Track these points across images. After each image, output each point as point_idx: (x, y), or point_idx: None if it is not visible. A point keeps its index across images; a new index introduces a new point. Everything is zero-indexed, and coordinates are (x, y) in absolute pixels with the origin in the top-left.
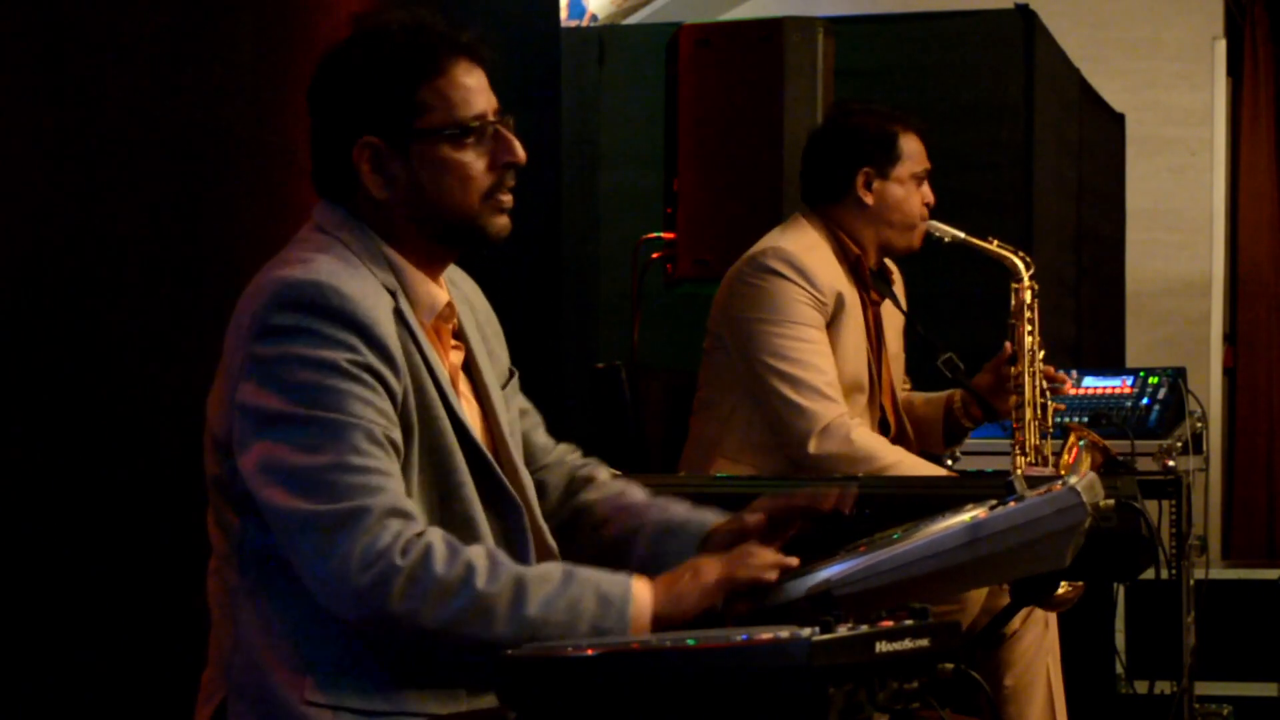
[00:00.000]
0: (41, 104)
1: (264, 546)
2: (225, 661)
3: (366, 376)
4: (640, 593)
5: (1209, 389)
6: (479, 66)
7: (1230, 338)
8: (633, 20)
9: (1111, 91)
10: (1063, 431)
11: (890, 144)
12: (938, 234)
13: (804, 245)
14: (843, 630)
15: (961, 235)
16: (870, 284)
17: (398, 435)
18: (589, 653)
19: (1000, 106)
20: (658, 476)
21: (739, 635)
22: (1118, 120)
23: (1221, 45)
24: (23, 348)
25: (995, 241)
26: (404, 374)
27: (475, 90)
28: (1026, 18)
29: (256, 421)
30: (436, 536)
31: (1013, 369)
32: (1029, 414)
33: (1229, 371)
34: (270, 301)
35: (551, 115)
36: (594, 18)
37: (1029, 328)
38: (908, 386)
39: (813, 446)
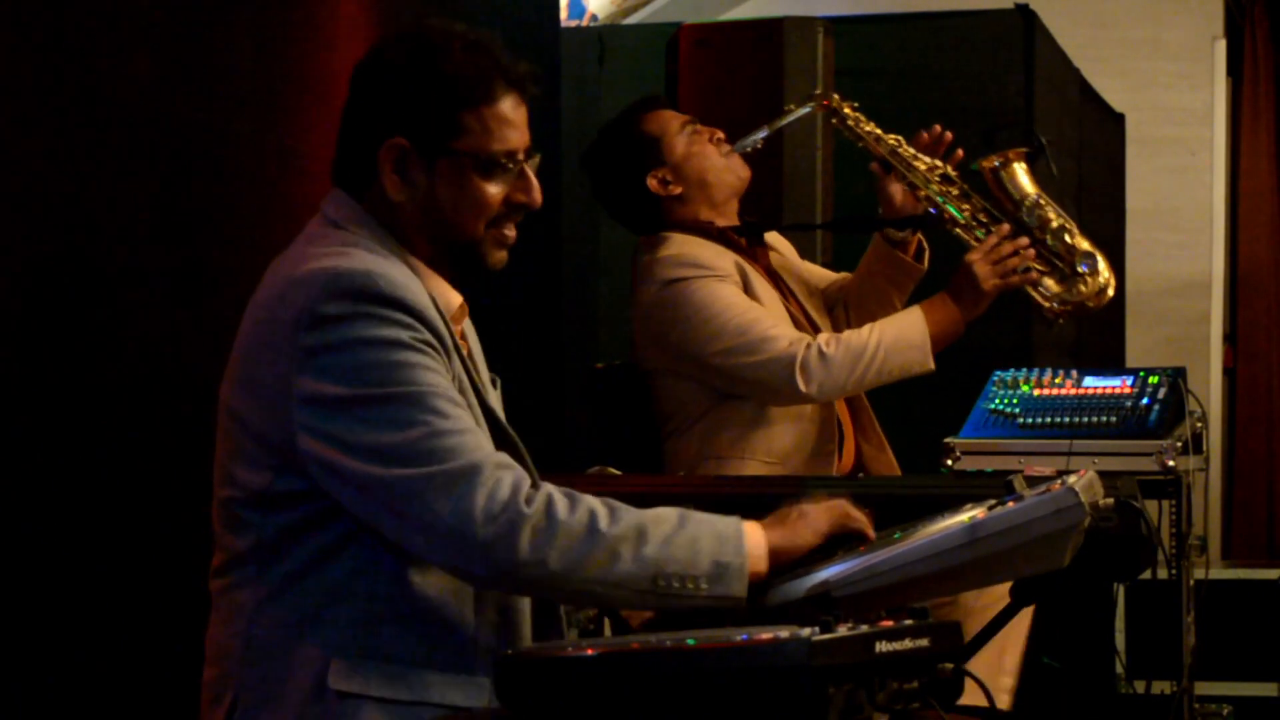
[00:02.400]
0: (41, 104)
1: (296, 542)
2: (236, 659)
3: (428, 349)
4: (752, 528)
5: (1209, 389)
6: (525, 104)
7: (1230, 338)
8: (633, 20)
9: (1111, 91)
10: (977, 176)
11: (641, 138)
12: (750, 148)
13: (678, 244)
14: (842, 630)
15: (764, 130)
16: (745, 247)
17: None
18: (589, 653)
19: (1000, 106)
20: (657, 477)
21: (739, 635)
22: (1118, 120)
23: (1221, 45)
24: (22, 348)
25: (792, 105)
26: (455, 362)
27: (516, 126)
28: (1026, 18)
29: (331, 411)
30: (552, 487)
31: (891, 177)
32: (934, 193)
33: (1229, 371)
34: (320, 293)
35: (551, 115)
36: (594, 18)
37: (874, 137)
38: (843, 277)
39: (803, 386)
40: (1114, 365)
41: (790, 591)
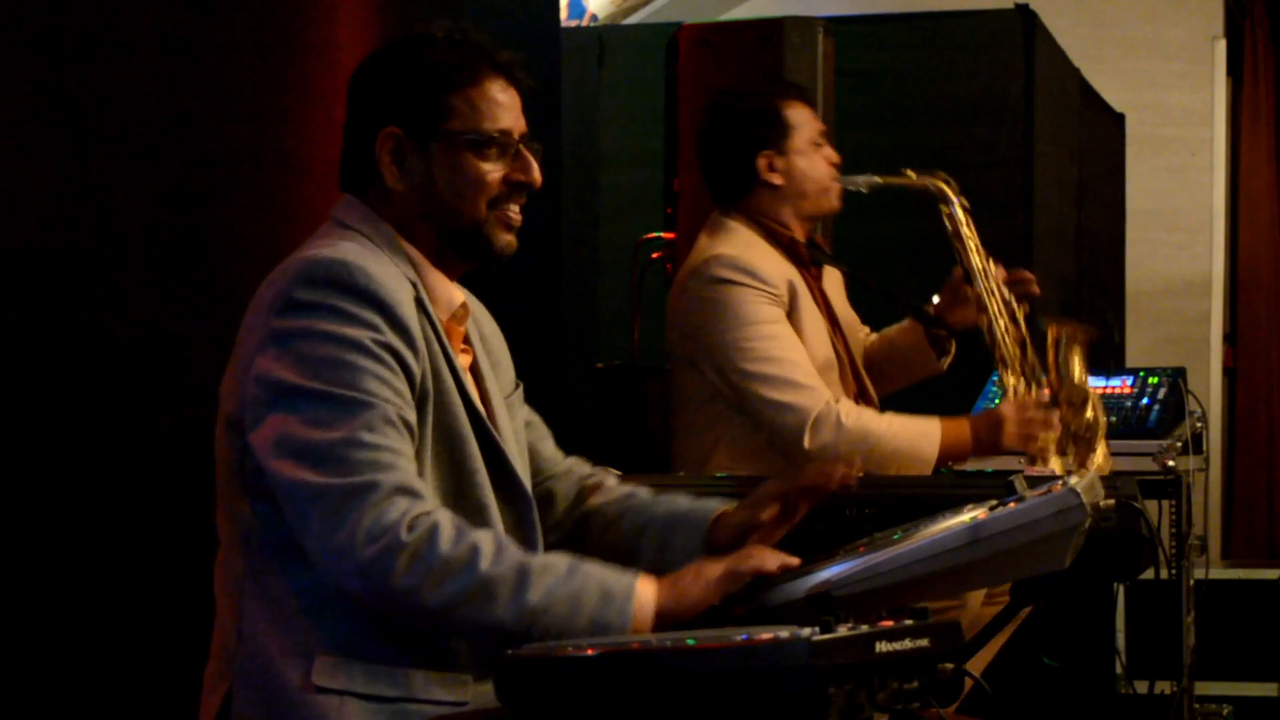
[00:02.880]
0: (41, 105)
1: (274, 532)
2: (229, 652)
3: (387, 356)
4: (644, 590)
5: (1209, 389)
6: (514, 89)
7: (1230, 338)
8: (633, 20)
9: (1111, 91)
10: (1040, 331)
11: (777, 119)
12: (853, 187)
13: (742, 244)
14: (843, 630)
15: (878, 180)
16: (808, 261)
17: (413, 417)
18: (589, 653)
19: (1000, 106)
20: (658, 476)
21: (739, 635)
22: (1118, 120)
23: (1221, 45)
24: (24, 348)
25: (910, 172)
26: (423, 357)
27: (505, 107)
28: (1026, 18)
29: (273, 394)
30: (444, 516)
31: (970, 290)
32: (999, 327)
33: (1229, 371)
34: (295, 278)
35: (551, 115)
36: (594, 18)
37: (972, 245)
38: (867, 331)
39: (807, 442)
40: (1114, 365)
41: (790, 591)
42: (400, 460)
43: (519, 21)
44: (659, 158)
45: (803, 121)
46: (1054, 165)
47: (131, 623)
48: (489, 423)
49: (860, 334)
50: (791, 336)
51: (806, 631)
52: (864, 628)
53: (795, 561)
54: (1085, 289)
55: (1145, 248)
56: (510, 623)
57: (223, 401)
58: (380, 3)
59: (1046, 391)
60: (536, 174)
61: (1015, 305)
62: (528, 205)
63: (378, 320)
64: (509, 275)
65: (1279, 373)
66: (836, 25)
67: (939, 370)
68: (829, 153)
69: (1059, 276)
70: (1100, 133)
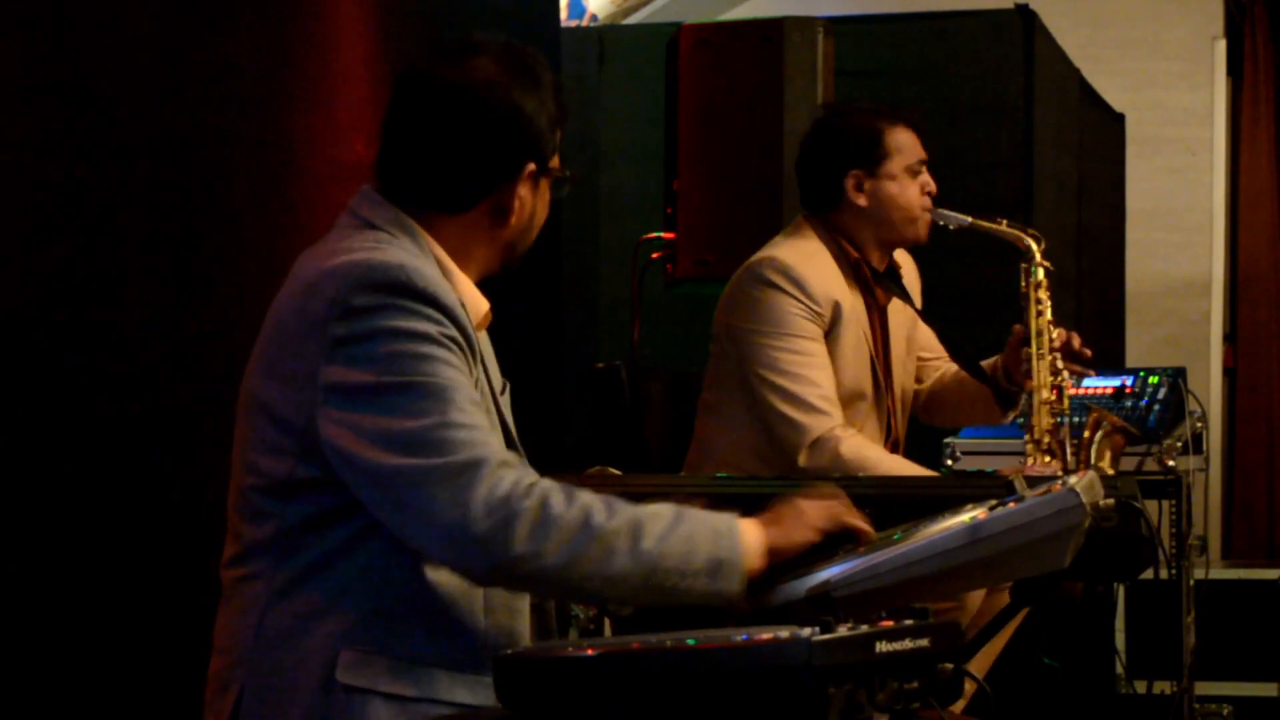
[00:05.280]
0: (41, 104)
1: (311, 534)
2: (244, 650)
3: (454, 347)
4: (747, 525)
5: (1209, 389)
6: None
7: (1230, 338)
8: (633, 20)
9: (1111, 91)
10: (1084, 413)
11: (875, 142)
12: (943, 222)
13: (803, 254)
14: (843, 630)
15: (969, 220)
16: (874, 286)
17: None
18: (589, 653)
19: (1000, 106)
20: (658, 477)
21: (739, 635)
22: (1118, 120)
23: (1221, 45)
24: (24, 349)
25: (1004, 222)
26: (478, 364)
27: None
28: (1026, 18)
29: (353, 398)
30: (550, 482)
31: (1025, 350)
32: (1039, 398)
33: (1229, 371)
34: (352, 284)
35: None
36: (594, 18)
37: (1038, 308)
38: (946, 359)
39: (802, 460)
40: (1114, 365)
41: (790, 591)
42: (492, 437)
43: (519, 21)
44: (659, 158)
45: (903, 147)
46: (1054, 165)
47: (129, 624)
48: (514, 431)
49: (920, 354)
50: (821, 356)
51: (806, 631)
52: (864, 628)
53: (873, 535)
54: (1085, 289)
55: (1145, 248)
56: (632, 570)
57: (256, 400)
58: (380, 3)
59: (1057, 465)
60: None
61: (1065, 378)
62: None
63: (440, 317)
64: (509, 275)
65: (1279, 373)
66: (836, 25)
67: (1001, 421)
68: (926, 182)
69: (1059, 277)
70: (1100, 133)
